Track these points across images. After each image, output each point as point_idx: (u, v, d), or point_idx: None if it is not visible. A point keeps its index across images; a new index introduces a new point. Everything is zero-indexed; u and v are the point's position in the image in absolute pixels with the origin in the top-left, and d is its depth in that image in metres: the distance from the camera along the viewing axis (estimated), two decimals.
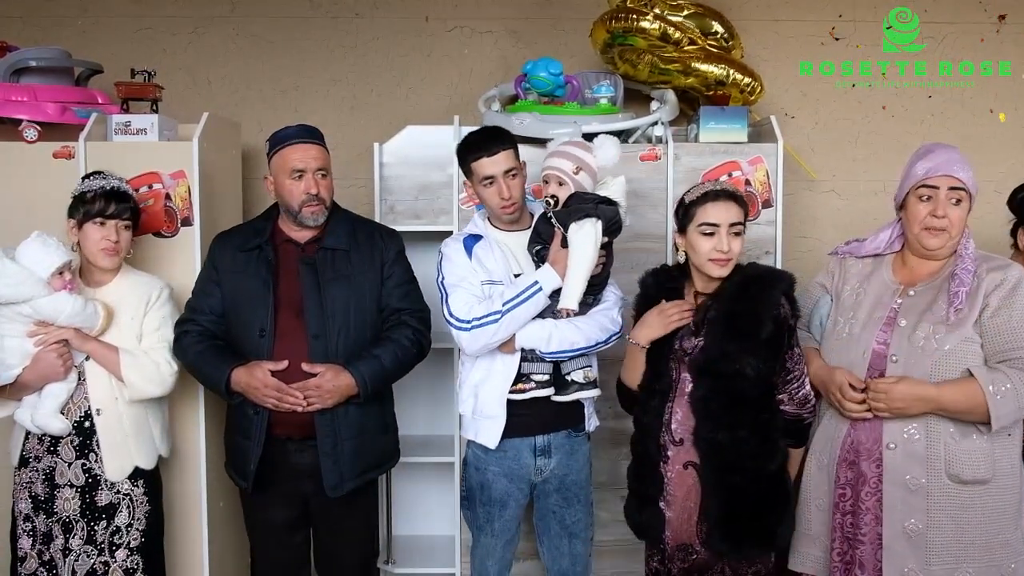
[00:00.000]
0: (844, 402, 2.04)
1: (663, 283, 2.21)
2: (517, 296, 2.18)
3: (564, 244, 2.18)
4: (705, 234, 2.08)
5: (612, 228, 2.19)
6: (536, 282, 2.18)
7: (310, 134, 2.35)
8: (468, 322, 2.19)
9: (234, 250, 2.37)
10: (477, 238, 2.32)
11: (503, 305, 2.18)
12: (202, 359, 2.31)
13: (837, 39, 3.29)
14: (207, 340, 2.32)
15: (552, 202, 2.20)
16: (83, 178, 2.36)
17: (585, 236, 2.13)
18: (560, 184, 2.20)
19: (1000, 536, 1.98)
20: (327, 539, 2.45)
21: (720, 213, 2.08)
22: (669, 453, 2.09)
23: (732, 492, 2.02)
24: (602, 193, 2.21)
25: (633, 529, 2.22)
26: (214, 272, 2.38)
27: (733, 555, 2.05)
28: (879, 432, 2.01)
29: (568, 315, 2.20)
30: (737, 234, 2.08)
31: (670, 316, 2.12)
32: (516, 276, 2.26)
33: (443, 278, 2.30)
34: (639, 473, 2.18)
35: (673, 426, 2.09)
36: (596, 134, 2.73)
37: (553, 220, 2.19)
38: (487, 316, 2.18)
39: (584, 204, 2.17)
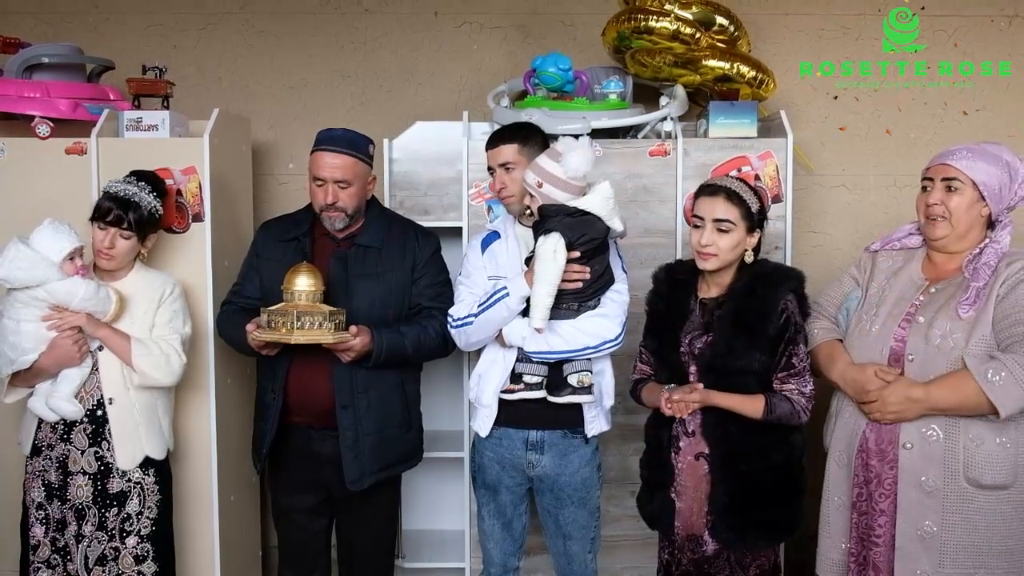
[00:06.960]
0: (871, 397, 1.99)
1: (674, 279, 2.22)
2: (487, 300, 2.22)
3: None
4: (695, 227, 2.12)
5: (582, 242, 2.13)
6: (504, 288, 2.20)
7: (333, 141, 2.33)
8: (456, 320, 2.28)
9: (274, 239, 2.44)
10: (497, 235, 2.37)
11: (477, 307, 2.23)
12: (228, 324, 2.42)
13: (846, 30, 3.28)
14: (239, 314, 2.38)
15: (531, 213, 2.20)
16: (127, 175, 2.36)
17: (545, 251, 2.10)
18: (532, 196, 2.18)
19: (1021, 543, 1.94)
20: (348, 530, 2.49)
21: (705, 207, 2.10)
22: (681, 444, 2.13)
23: (739, 481, 2.05)
24: (582, 204, 2.13)
25: (645, 520, 2.25)
26: (255, 259, 2.47)
27: (737, 544, 2.07)
28: (896, 431, 1.98)
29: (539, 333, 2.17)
30: (722, 231, 2.07)
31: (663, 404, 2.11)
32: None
33: (459, 273, 2.39)
34: (651, 461, 2.22)
35: (686, 417, 2.10)
36: (605, 130, 2.77)
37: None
38: (467, 317, 2.25)
39: (548, 218, 2.13)
